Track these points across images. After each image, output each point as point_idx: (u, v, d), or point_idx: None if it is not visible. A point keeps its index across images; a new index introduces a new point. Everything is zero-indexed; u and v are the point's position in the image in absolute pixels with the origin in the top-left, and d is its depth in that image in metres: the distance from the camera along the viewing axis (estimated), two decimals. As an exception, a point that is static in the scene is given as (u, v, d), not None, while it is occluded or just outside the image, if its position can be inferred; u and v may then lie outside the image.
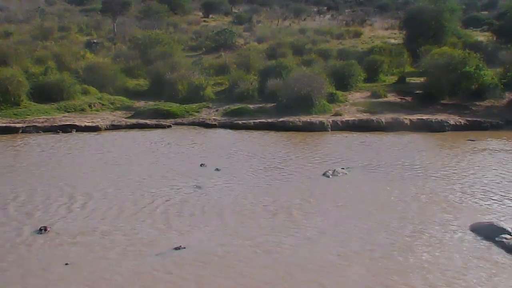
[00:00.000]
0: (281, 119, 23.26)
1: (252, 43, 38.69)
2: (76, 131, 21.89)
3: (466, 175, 16.24)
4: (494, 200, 13.92)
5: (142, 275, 9.75)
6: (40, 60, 29.77)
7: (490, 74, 26.19)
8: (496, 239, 11.20)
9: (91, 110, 24.83)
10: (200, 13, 52.20)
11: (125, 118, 24.11)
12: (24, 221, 12.22)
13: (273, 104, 24.87)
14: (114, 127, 22.64)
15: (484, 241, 11.22)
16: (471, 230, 11.78)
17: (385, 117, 23.58)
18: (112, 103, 25.79)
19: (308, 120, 23.22)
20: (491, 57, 28.54)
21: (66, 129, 21.93)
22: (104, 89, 27.02)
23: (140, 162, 17.49)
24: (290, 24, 48.14)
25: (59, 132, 21.69)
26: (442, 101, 25.96)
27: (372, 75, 29.38)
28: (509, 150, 19.72)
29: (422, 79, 27.63)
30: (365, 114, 24.26)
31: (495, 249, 10.90)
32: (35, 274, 9.74)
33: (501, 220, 12.16)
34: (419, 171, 16.60)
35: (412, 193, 14.47)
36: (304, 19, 51.24)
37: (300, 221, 12.40)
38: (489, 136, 21.91)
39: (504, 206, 13.43)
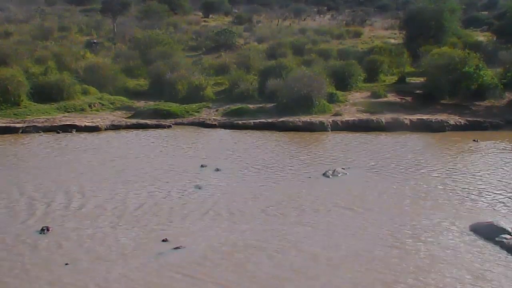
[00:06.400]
0: (281, 119, 23.25)
1: (252, 43, 38.70)
2: (76, 131, 21.87)
3: (466, 174, 16.24)
4: (494, 199, 13.92)
5: (142, 275, 9.76)
6: (40, 60, 29.76)
7: (490, 74, 26.16)
8: (496, 239, 11.19)
9: (91, 110, 24.81)
10: (200, 13, 52.22)
11: (125, 118, 24.10)
12: (26, 221, 12.22)
13: (273, 104, 24.86)
14: (114, 127, 22.62)
15: (484, 241, 11.22)
16: (471, 230, 11.78)
17: (385, 117, 23.57)
18: (112, 103, 25.76)
19: (308, 120, 23.21)
20: (491, 57, 28.52)
21: (66, 129, 21.90)
22: (104, 89, 27.00)
23: (139, 162, 17.49)
24: (290, 24, 48.15)
25: (59, 132, 21.67)
26: (442, 101, 25.94)
27: (372, 75, 29.37)
28: (510, 150, 19.72)
29: (422, 79, 27.61)
30: (365, 114, 24.25)
31: (495, 249, 10.92)
32: (35, 274, 9.75)
33: (501, 220, 12.16)
34: (419, 171, 16.60)
35: (412, 193, 14.47)
36: (304, 19, 51.26)
37: (300, 221, 12.40)
38: (490, 136, 21.89)
39: (505, 206, 13.44)
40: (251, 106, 24.99)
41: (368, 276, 9.74)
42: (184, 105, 25.20)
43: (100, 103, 25.53)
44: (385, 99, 26.31)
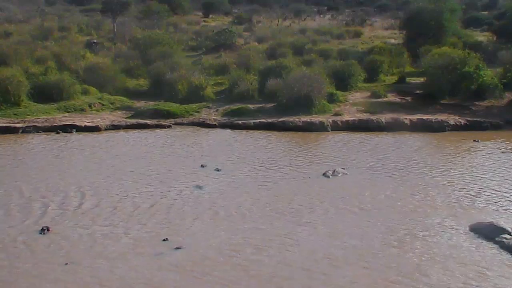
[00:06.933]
0: (281, 119, 23.25)
1: (252, 43, 38.68)
2: (76, 131, 21.86)
3: (466, 175, 16.25)
4: (496, 199, 13.92)
5: (142, 275, 9.76)
6: (40, 60, 29.72)
7: (490, 74, 26.16)
8: (496, 239, 11.20)
9: (91, 110, 24.80)
10: (200, 13, 52.25)
11: (125, 118, 24.08)
12: (26, 221, 12.22)
13: (273, 104, 24.85)
14: (114, 127, 22.61)
15: (484, 241, 11.23)
16: (471, 230, 11.79)
17: (385, 117, 23.56)
18: (112, 103, 25.74)
19: (308, 120, 23.21)
20: (491, 57, 28.52)
21: (66, 129, 21.89)
22: (104, 89, 26.98)
23: (140, 162, 17.49)
24: (290, 24, 48.16)
25: (59, 132, 21.66)
26: (442, 101, 25.94)
27: (372, 75, 29.36)
28: (510, 150, 19.71)
29: (422, 79, 27.62)
30: (365, 114, 24.24)
31: (495, 248, 10.93)
32: (35, 274, 9.75)
33: (501, 220, 12.17)
34: (419, 171, 16.60)
35: (412, 193, 14.47)
36: (304, 19, 51.27)
37: (300, 221, 12.41)
38: (490, 136, 21.88)
39: (506, 206, 13.44)
40: (251, 106, 24.98)
41: (370, 275, 9.75)
42: (184, 105, 25.19)
43: (100, 103, 25.52)
44: (385, 99, 26.31)
